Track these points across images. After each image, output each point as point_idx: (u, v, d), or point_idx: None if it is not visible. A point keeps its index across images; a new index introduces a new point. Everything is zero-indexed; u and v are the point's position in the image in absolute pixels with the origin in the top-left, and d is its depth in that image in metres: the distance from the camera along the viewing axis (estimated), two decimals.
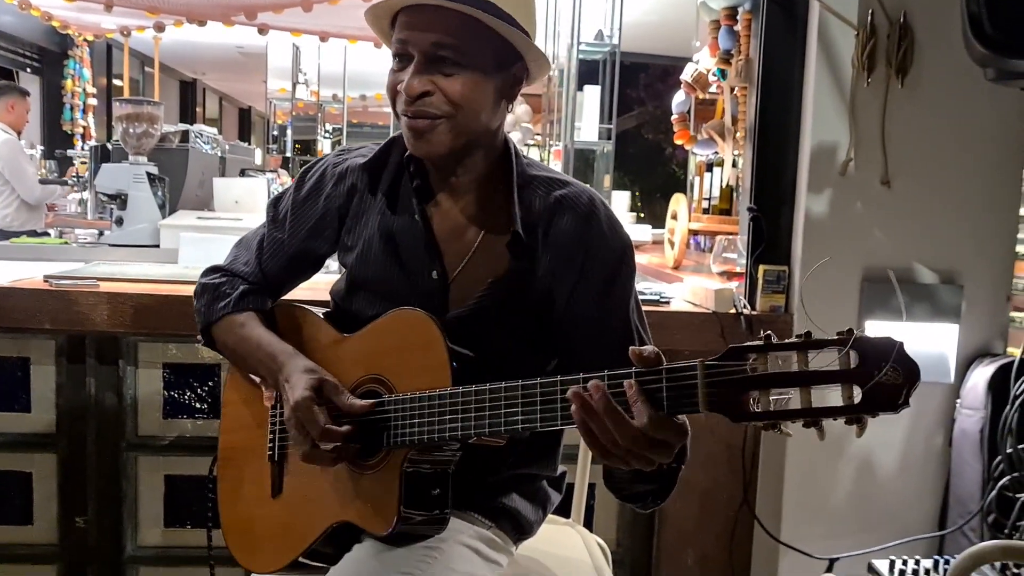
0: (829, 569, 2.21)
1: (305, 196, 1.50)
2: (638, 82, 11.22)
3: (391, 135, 1.46)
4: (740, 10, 2.62)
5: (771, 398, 0.96)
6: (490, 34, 1.28)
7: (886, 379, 0.90)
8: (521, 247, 1.35)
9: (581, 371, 1.13)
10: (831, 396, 0.94)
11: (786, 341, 0.96)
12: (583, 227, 1.35)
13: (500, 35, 1.29)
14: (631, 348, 1.05)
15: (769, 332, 0.98)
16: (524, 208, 1.37)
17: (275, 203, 1.54)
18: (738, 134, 2.81)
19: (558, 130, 5.92)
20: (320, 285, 1.70)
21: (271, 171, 6.07)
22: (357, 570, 1.30)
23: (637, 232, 4.39)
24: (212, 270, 1.55)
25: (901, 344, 0.91)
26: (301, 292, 1.60)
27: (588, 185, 1.44)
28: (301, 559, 1.40)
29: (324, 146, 9.73)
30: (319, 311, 1.50)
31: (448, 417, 1.22)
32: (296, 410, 1.29)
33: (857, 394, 0.92)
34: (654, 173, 12.52)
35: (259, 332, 1.45)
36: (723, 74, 2.74)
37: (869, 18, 2.17)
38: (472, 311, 1.37)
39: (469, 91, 1.28)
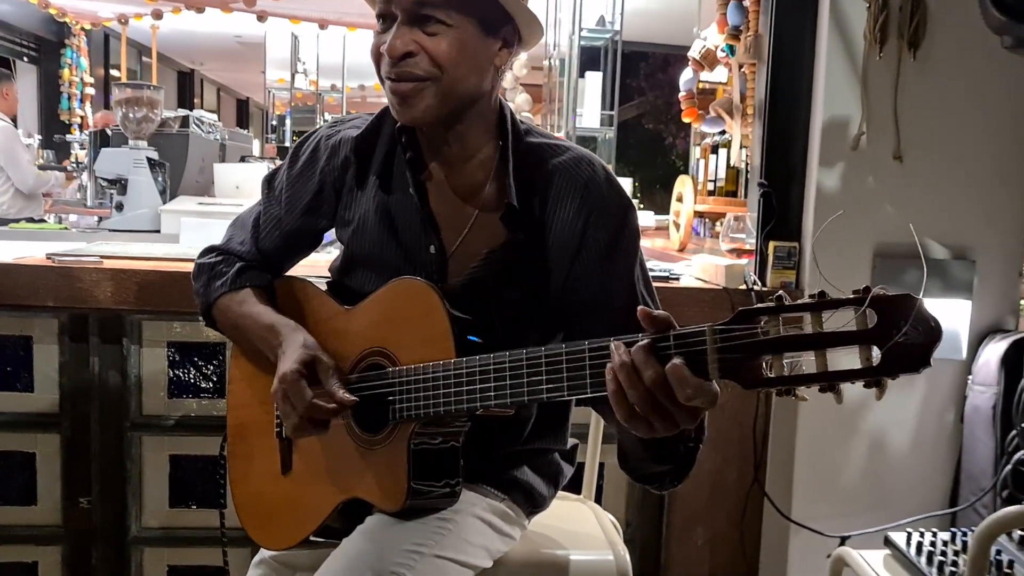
0: (841, 546, 2.19)
1: (300, 171, 1.47)
2: (639, 71, 11.21)
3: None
4: None
5: (784, 362, 0.91)
6: None
7: (906, 339, 0.85)
8: (516, 219, 1.32)
9: (580, 336, 1.08)
10: (847, 358, 0.89)
11: (799, 302, 0.90)
12: (582, 193, 1.32)
13: None
14: (639, 308, 0.99)
15: (781, 292, 0.93)
16: (521, 178, 1.33)
17: (270, 179, 1.52)
18: (747, 111, 2.79)
19: (559, 120, 5.91)
20: (320, 263, 1.68)
21: (270, 158, 6.06)
22: (370, 543, 1.28)
23: (639, 218, 4.38)
24: (208, 250, 1.53)
25: (920, 301, 0.86)
26: (300, 270, 1.57)
27: (588, 150, 1.40)
28: (313, 537, 1.39)
29: None
30: (320, 284, 1.48)
31: (453, 389, 1.19)
32: (282, 382, 1.27)
33: (876, 355, 0.86)
34: (654, 163, 12.52)
35: (258, 308, 1.43)
36: (731, 50, 2.72)
37: None
38: (467, 282, 1.34)
39: (455, 51, 1.24)
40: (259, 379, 1.47)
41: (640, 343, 0.98)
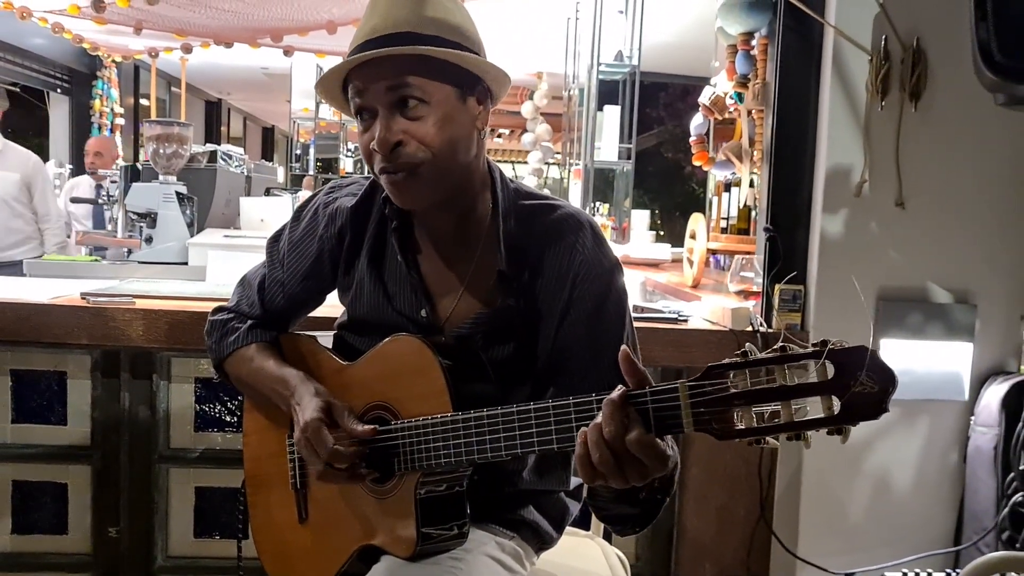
0: None
1: (300, 237, 1.53)
2: (658, 101, 11.29)
3: None
4: (756, 35, 2.67)
5: (753, 412, 0.98)
6: (445, 66, 1.28)
7: (862, 388, 0.92)
8: (507, 285, 1.37)
9: (567, 392, 1.17)
10: (813, 406, 0.96)
11: (762, 356, 0.97)
12: (569, 255, 1.36)
13: (453, 64, 1.29)
14: (622, 348, 1.07)
15: (747, 346, 0.99)
16: (510, 243, 1.38)
17: (274, 241, 1.58)
18: (755, 155, 2.86)
19: (578, 149, 5.99)
20: (339, 307, 1.75)
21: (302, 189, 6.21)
22: None
23: (656, 251, 4.44)
24: (219, 309, 1.62)
25: (873, 352, 0.93)
26: (312, 323, 1.66)
27: (577, 207, 1.45)
28: None
29: (346, 164, 9.83)
30: (323, 340, 1.56)
31: (452, 441, 1.26)
32: (305, 431, 1.34)
33: (836, 404, 0.94)
34: (673, 191, 12.57)
35: (269, 362, 1.50)
36: (740, 97, 2.79)
37: (883, 43, 2.22)
38: (457, 340, 1.40)
39: (442, 129, 1.28)
40: (271, 431, 1.56)
41: (612, 396, 1.06)
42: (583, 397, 1.13)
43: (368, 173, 1.40)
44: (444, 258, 1.43)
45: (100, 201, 5.06)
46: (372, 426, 1.33)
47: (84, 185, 5.83)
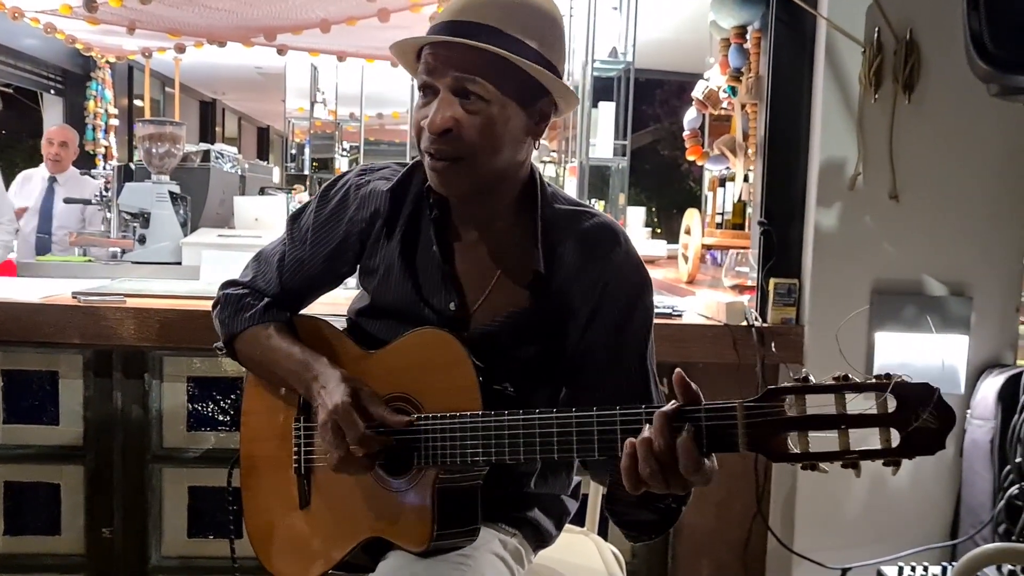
0: None
1: (327, 217, 1.50)
2: (654, 98, 11.29)
3: (407, 153, 1.47)
4: (749, 29, 2.67)
5: (808, 437, 1.00)
6: (516, 71, 1.27)
7: (924, 424, 0.95)
8: (543, 287, 1.37)
9: (592, 403, 1.17)
10: (868, 435, 0.98)
11: (823, 383, 0.99)
12: (602, 262, 1.37)
13: (526, 72, 1.28)
14: (676, 372, 1.08)
15: (806, 372, 1.00)
16: (547, 246, 1.38)
17: (295, 218, 1.55)
18: (749, 150, 2.85)
19: (573, 146, 5.97)
20: (340, 300, 1.75)
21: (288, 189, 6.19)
22: None
23: (652, 247, 4.44)
24: (232, 283, 1.57)
25: (938, 390, 0.95)
26: (319, 307, 1.64)
27: (611, 217, 1.46)
28: (332, 572, 1.44)
29: (342, 164, 9.80)
30: (339, 325, 1.53)
31: (481, 441, 1.24)
32: (335, 413, 1.29)
33: (895, 437, 0.96)
34: (670, 189, 12.58)
35: (289, 343, 1.46)
36: (734, 91, 2.78)
37: (876, 35, 2.21)
38: (484, 337, 1.39)
39: (492, 129, 1.28)
40: (277, 413, 1.51)
41: (664, 410, 1.07)
42: (631, 408, 1.13)
43: (409, 155, 1.39)
44: (477, 253, 1.42)
45: (93, 201, 5.06)
46: (405, 418, 1.31)
47: (37, 178, 5.76)
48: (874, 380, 0.96)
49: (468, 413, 1.26)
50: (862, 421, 0.96)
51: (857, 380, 0.97)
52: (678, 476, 1.07)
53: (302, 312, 1.58)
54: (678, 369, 1.08)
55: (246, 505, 1.57)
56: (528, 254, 1.38)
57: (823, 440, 0.99)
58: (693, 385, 1.08)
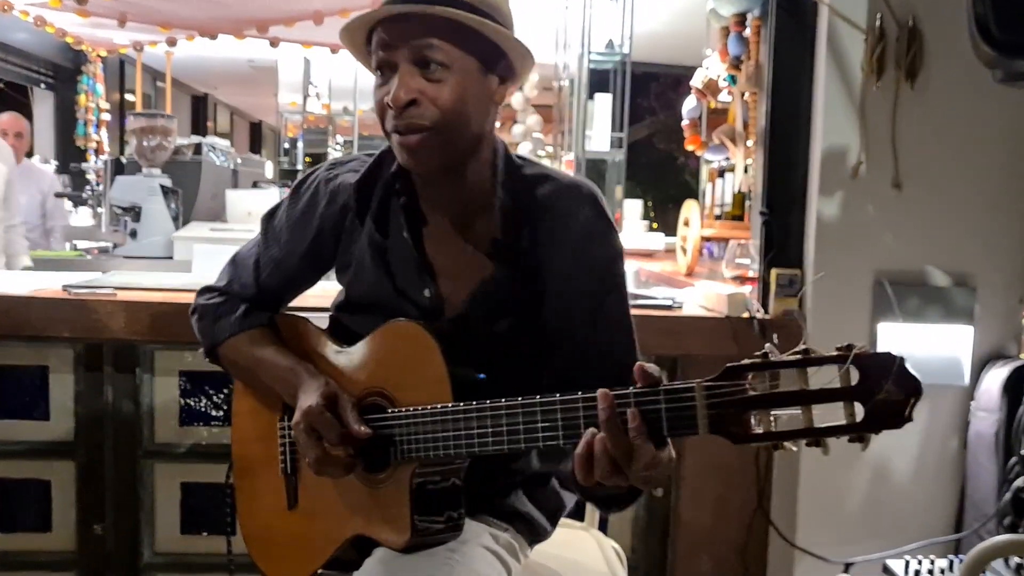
0: (845, 572, 2.20)
1: (300, 214, 1.49)
2: (649, 91, 11.25)
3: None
4: (749, 16, 2.63)
5: (771, 416, 0.95)
6: (473, 35, 1.26)
7: (887, 396, 0.90)
8: (502, 252, 1.35)
9: (574, 372, 1.17)
10: (833, 411, 0.93)
11: (784, 359, 0.94)
12: (569, 224, 1.35)
13: (483, 35, 1.27)
14: (637, 364, 1.04)
15: (767, 347, 0.96)
16: (509, 211, 1.35)
17: (268, 218, 1.53)
18: (749, 139, 2.82)
19: (569, 140, 5.94)
20: (330, 292, 1.71)
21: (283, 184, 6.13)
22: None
23: (649, 240, 4.41)
24: (208, 290, 1.55)
25: (902, 359, 0.90)
26: (310, 299, 1.61)
27: (584, 178, 1.43)
28: (322, 571, 1.43)
29: (335, 157, 9.78)
30: (319, 323, 1.51)
31: (452, 433, 1.22)
32: (308, 415, 1.29)
33: (859, 411, 0.91)
34: (666, 182, 12.55)
35: (269, 348, 1.46)
36: (733, 80, 2.75)
37: (878, 22, 2.18)
38: (458, 320, 1.37)
39: (458, 96, 1.26)
40: (263, 415, 1.50)
41: (603, 391, 1.04)
42: (591, 393, 1.09)
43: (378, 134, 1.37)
44: (448, 237, 1.40)
45: (85, 196, 5.02)
46: (367, 429, 1.28)
47: None
48: (835, 353, 0.92)
49: (438, 406, 1.24)
50: (824, 396, 0.92)
51: (819, 354, 0.93)
52: (631, 464, 1.04)
53: (283, 311, 1.56)
54: (639, 363, 1.05)
55: (240, 507, 1.56)
56: (493, 227, 1.36)
57: (788, 420, 0.95)
58: (650, 367, 1.04)
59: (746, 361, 0.96)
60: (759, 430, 0.95)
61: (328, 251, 1.48)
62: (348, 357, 1.40)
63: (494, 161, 1.38)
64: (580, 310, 1.35)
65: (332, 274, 1.55)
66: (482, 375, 1.29)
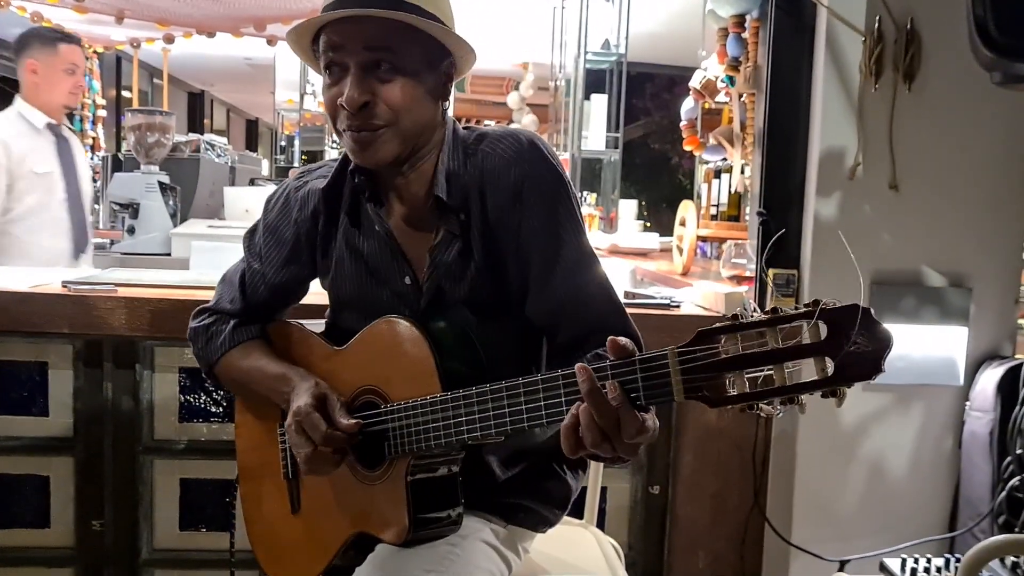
0: (840, 570, 2.22)
1: (275, 224, 1.52)
2: (644, 92, 11.26)
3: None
4: (748, 18, 2.65)
5: (745, 378, 0.95)
6: (420, 36, 1.30)
7: (856, 348, 0.89)
8: (448, 212, 1.36)
9: (553, 327, 1.24)
10: (807, 369, 0.93)
11: (753, 319, 0.94)
12: (511, 166, 1.36)
13: (429, 36, 1.31)
14: (609, 338, 1.05)
15: (737, 311, 0.97)
16: (453, 172, 1.37)
17: (250, 235, 1.57)
18: (747, 140, 2.83)
19: (564, 140, 5.95)
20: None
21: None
22: (381, 571, 1.32)
23: (644, 240, 4.41)
24: (200, 312, 1.59)
25: (866, 310, 0.89)
26: (310, 298, 1.62)
27: (523, 128, 1.46)
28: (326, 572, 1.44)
29: (331, 156, 9.76)
30: (313, 326, 1.53)
31: (441, 423, 1.23)
32: (296, 415, 1.32)
33: (830, 366, 0.90)
34: (660, 183, 12.56)
35: (263, 360, 1.49)
36: (731, 81, 2.77)
37: (876, 24, 2.19)
38: (431, 296, 1.39)
39: (408, 96, 1.29)
40: (263, 423, 1.53)
41: (581, 365, 1.05)
42: (570, 370, 1.10)
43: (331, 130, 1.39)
44: (414, 221, 1.42)
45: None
46: (356, 421, 1.31)
47: None
48: (802, 309, 0.91)
49: (427, 397, 1.25)
50: (795, 353, 0.91)
51: (787, 312, 0.92)
52: (620, 432, 1.05)
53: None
54: (610, 337, 1.05)
55: (246, 515, 1.58)
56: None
57: (763, 382, 0.94)
58: (623, 341, 1.05)
59: (717, 324, 0.96)
60: (733, 392, 0.95)
61: (308, 257, 1.51)
62: (340, 358, 1.41)
63: (443, 142, 1.41)
64: (538, 240, 1.36)
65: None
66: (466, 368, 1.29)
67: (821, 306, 0.90)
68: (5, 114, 3.29)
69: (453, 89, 1.40)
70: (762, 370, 0.94)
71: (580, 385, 1.05)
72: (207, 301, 1.60)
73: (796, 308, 0.93)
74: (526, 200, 1.36)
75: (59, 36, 3.49)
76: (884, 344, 0.90)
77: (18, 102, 3.30)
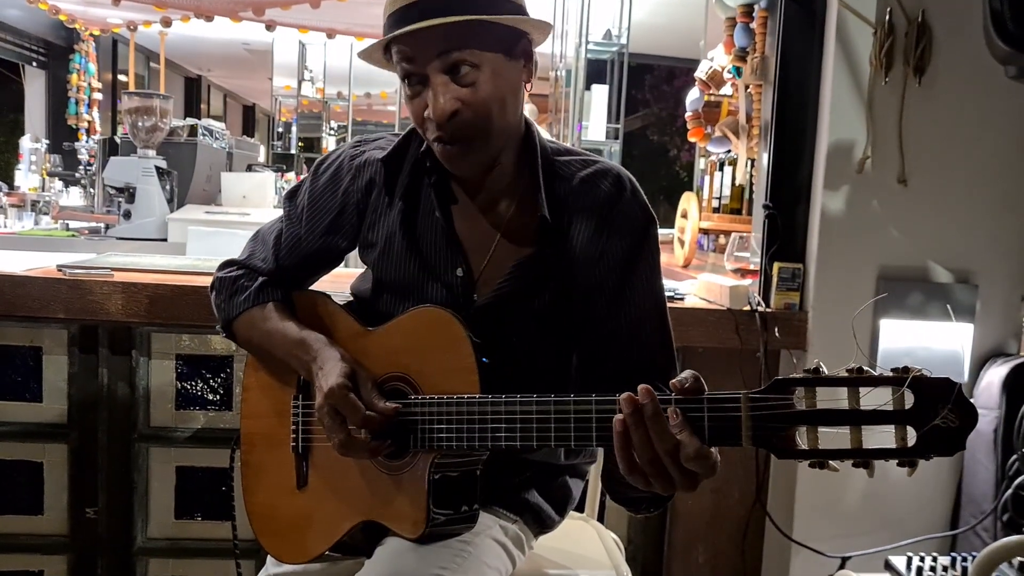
0: (841, 567, 2.20)
1: (321, 190, 1.46)
2: (644, 84, 11.23)
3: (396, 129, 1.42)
4: (756, 8, 2.61)
5: (818, 433, 0.93)
6: (494, 28, 1.25)
7: (944, 422, 0.88)
8: (549, 232, 1.34)
9: (601, 355, 1.19)
10: (882, 434, 0.92)
11: (836, 376, 0.92)
12: (603, 206, 1.34)
13: (500, 25, 1.26)
14: (672, 381, 1.01)
15: (818, 363, 0.94)
16: (549, 192, 1.35)
17: (291, 196, 1.51)
18: (752, 132, 2.81)
19: (565, 130, 5.92)
20: (343, 277, 1.69)
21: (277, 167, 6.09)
22: (393, 566, 1.28)
23: None
24: (228, 264, 1.52)
25: (960, 386, 0.89)
26: (324, 284, 1.58)
27: (615, 163, 1.43)
28: (328, 552, 1.40)
29: (329, 143, 9.71)
30: (340, 301, 1.48)
31: (478, 426, 1.19)
32: (330, 397, 1.25)
33: (911, 436, 0.89)
34: (659, 175, 12.54)
35: (285, 323, 1.42)
36: (738, 71, 2.73)
37: (887, 16, 2.16)
38: (493, 300, 1.35)
39: (493, 93, 1.25)
40: (276, 390, 1.47)
41: (645, 387, 1.01)
42: (606, 396, 1.08)
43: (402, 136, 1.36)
44: (479, 215, 1.39)
45: (78, 175, 4.96)
46: (395, 404, 1.26)
47: None
48: (891, 374, 0.89)
49: (464, 396, 1.21)
50: (877, 418, 0.89)
51: (872, 373, 0.91)
52: (678, 455, 1.01)
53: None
54: (673, 380, 1.02)
55: (245, 483, 1.52)
56: (530, 204, 1.35)
57: (834, 437, 0.93)
58: (687, 382, 1.01)
59: (795, 375, 0.94)
60: (804, 446, 0.93)
61: (351, 228, 1.46)
62: (371, 339, 1.37)
63: (523, 141, 1.38)
64: (608, 286, 1.34)
65: (348, 260, 1.53)
66: (485, 359, 1.26)
67: (913, 375, 0.89)
68: None
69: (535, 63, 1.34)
70: (837, 428, 0.93)
71: (644, 406, 1.01)
72: (205, 287, 1.55)
73: (880, 372, 0.91)
74: (615, 233, 1.34)
75: None
76: (971, 423, 0.89)
77: None
